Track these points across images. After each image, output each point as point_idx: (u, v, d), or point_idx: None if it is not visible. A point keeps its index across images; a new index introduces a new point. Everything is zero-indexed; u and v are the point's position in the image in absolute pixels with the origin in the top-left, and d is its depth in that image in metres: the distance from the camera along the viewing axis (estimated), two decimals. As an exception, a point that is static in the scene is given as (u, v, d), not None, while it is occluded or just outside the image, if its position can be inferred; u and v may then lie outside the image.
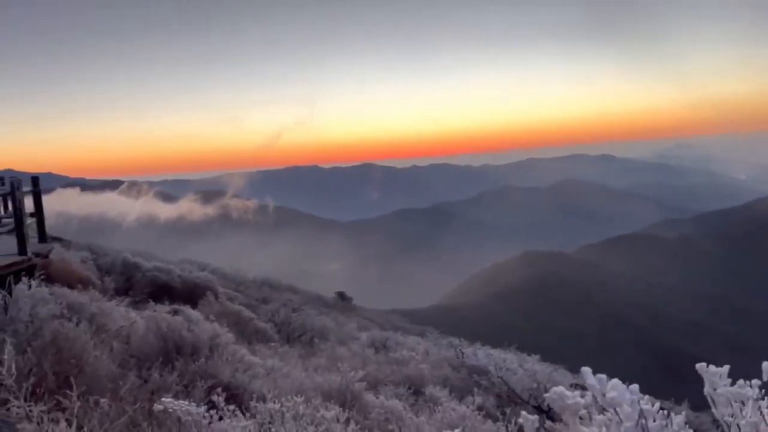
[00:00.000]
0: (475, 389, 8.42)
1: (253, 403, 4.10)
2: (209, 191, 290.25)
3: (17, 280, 6.04)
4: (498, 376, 10.82)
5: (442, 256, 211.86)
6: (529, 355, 14.76)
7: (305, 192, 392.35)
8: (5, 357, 3.28)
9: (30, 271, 7.59)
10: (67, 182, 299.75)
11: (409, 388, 8.37)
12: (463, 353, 14.27)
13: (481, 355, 13.71)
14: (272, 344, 13.05)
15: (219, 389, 4.10)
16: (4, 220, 11.09)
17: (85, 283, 11.54)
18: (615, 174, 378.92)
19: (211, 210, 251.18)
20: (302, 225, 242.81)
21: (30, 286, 5.42)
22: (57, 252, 14.71)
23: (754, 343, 71.24)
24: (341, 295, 38.46)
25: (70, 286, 9.63)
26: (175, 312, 10.94)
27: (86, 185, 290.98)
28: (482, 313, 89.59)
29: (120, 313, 9.07)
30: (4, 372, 2.99)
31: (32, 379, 3.38)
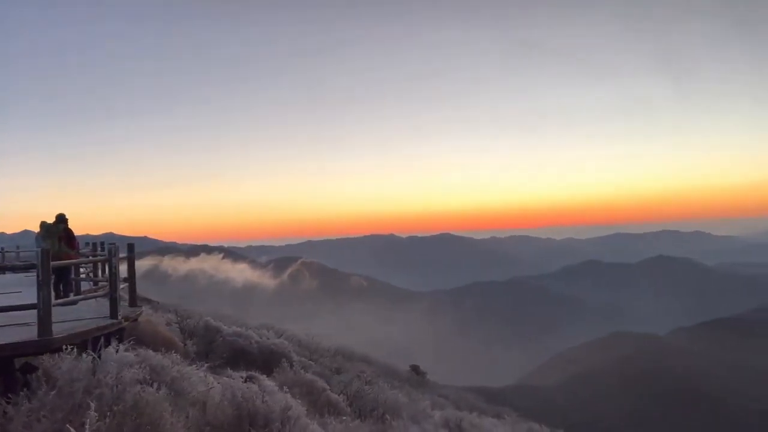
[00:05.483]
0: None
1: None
2: (287, 257, 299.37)
3: (107, 343, 6.36)
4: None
5: (522, 333, 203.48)
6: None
7: (382, 260, 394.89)
8: (87, 421, 3.38)
9: (120, 334, 7.97)
10: (161, 246, 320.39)
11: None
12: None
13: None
14: (344, 418, 12.79)
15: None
16: (101, 283, 11.85)
17: (169, 346, 11.97)
18: (709, 253, 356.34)
19: (289, 277, 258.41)
20: (378, 294, 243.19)
21: (117, 350, 5.66)
22: (145, 313, 15.42)
23: None
24: (415, 369, 37.73)
25: (155, 348, 10.00)
26: (250, 379, 11.04)
27: (177, 249, 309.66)
28: (565, 397, 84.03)
29: (199, 378, 9.26)
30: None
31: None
